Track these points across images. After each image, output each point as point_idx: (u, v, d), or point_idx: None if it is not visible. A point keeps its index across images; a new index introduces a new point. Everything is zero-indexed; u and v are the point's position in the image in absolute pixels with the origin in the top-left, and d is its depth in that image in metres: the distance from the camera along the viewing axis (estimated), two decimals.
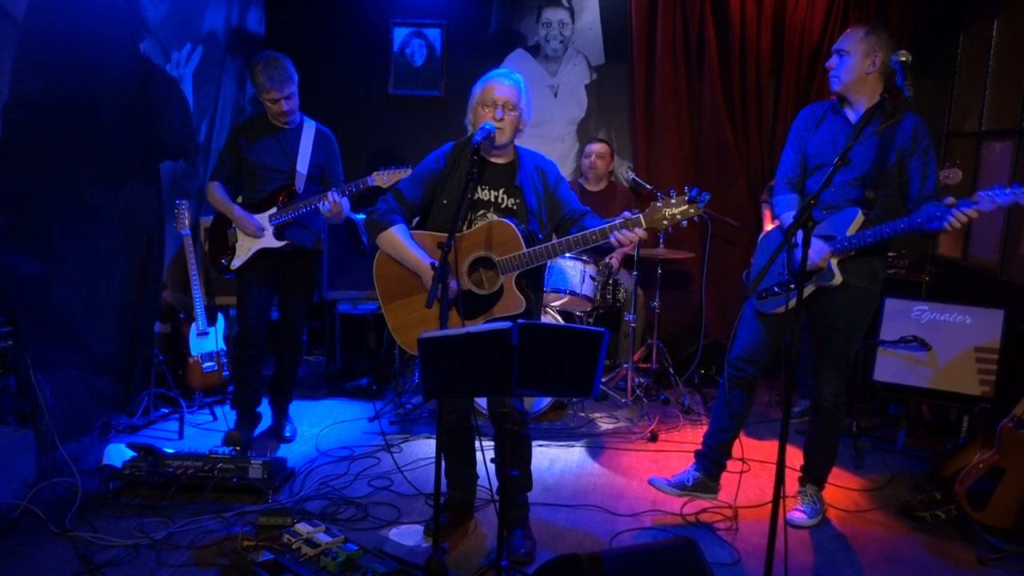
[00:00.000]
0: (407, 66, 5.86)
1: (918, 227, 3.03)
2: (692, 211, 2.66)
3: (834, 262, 3.17)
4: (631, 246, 3.22)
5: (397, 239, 2.97)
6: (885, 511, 3.54)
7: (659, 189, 4.91)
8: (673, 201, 2.69)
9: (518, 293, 2.90)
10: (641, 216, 2.71)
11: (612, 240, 2.75)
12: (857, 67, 3.15)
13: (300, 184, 3.94)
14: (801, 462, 3.60)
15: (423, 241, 2.99)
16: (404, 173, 3.79)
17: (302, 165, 3.92)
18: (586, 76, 5.82)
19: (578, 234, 2.82)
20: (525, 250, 2.85)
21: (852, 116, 3.24)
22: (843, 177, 3.20)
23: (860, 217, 3.12)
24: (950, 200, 2.97)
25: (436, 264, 2.65)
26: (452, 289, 2.84)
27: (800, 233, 2.45)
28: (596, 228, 2.79)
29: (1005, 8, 4.78)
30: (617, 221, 2.75)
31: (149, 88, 4.49)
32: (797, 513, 3.43)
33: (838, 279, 3.17)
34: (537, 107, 5.71)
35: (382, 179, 3.83)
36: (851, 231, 3.13)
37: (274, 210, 3.91)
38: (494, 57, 5.78)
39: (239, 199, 4.01)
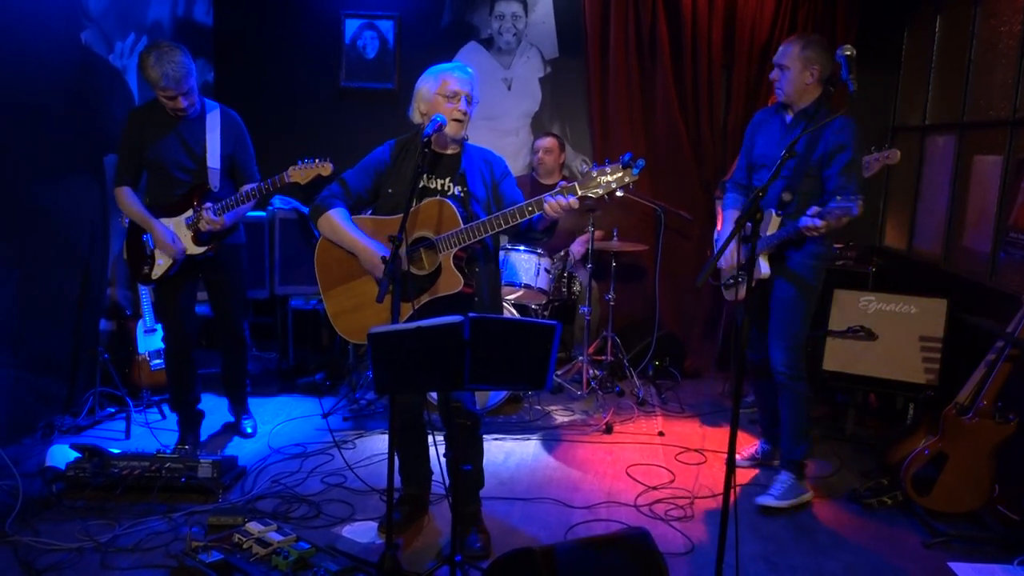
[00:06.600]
0: (359, 58, 5.79)
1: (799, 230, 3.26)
2: (627, 178, 2.64)
3: (763, 259, 3.42)
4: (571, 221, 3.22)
5: (335, 222, 2.98)
6: (834, 498, 3.61)
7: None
8: (608, 169, 2.66)
9: (455, 271, 2.90)
10: (576, 184, 2.69)
11: (546, 207, 2.70)
12: (798, 80, 3.39)
13: (215, 181, 3.65)
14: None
15: (363, 224, 3.01)
16: (321, 167, 3.63)
17: (213, 159, 3.63)
18: (540, 69, 5.81)
19: (512, 208, 2.79)
20: (462, 227, 2.86)
21: (789, 118, 3.50)
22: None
23: (775, 218, 3.40)
24: (814, 210, 3.18)
25: (386, 256, 2.64)
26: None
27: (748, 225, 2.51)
28: (532, 200, 2.76)
29: (948, 5, 4.89)
30: (554, 191, 2.73)
31: (91, 79, 4.36)
32: (765, 496, 3.46)
33: (766, 274, 3.44)
34: (490, 100, 5.72)
35: (299, 174, 3.63)
36: (770, 231, 3.40)
37: (190, 213, 3.64)
38: (447, 49, 5.74)
39: (146, 199, 3.73)
